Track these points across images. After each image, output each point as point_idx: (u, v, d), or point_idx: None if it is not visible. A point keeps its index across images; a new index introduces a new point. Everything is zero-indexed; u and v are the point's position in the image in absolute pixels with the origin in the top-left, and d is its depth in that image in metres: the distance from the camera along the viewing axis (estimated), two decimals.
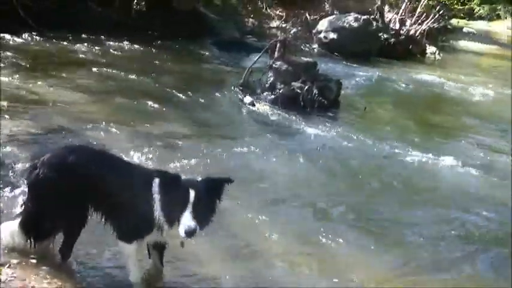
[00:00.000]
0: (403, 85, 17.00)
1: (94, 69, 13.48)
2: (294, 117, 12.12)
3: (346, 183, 9.13)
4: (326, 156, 10.10)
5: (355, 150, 10.56)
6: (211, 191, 4.95)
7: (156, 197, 4.96)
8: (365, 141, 11.09)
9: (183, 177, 5.01)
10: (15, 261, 5.27)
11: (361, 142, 11.04)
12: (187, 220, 4.74)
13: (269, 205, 7.91)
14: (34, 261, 5.37)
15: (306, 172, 9.30)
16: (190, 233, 4.75)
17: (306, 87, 12.97)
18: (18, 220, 5.46)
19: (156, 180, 4.97)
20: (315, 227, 7.42)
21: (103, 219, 5.34)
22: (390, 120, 13.40)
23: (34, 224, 5.37)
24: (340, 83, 13.67)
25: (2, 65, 12.50)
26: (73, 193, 5.16)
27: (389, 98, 15.68)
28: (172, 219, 4.87)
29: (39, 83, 11.64)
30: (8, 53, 13.68)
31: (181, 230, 4.76)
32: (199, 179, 5.04)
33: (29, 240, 5.42)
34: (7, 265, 5.14)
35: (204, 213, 4.89)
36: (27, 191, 5.62)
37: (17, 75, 11.90)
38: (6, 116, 9.27)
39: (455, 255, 7.22)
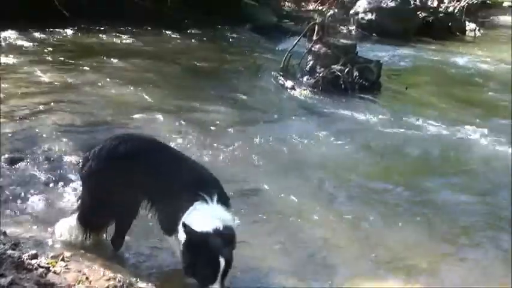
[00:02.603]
0: (444, 64, 16.73)
1: (133, 60, 13.56)
2: (335, 101, 12.05)
3: (391, 164, 9.08)
4: (369, 138, 10.04)
5: (398, 131, 10.47)
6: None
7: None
8: (407, 121, 10.99)
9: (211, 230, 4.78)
10: (68, 253, 5.36)
11: (403, 122, 10.95)
12: None
13: (312, 189, 7.89)
14: (87, 252, 5.47)
15: (349, 154, 9.26)
16: None
17: (346, 70, 12.86)
18: (75, 215, 5.56)
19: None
20: (361, 209, 7.40)
21: (150, 210, 5.39)
22: (431, 99, 13.21)
23: (91, 217, 5.46)
24: (381, 64, 13.52)
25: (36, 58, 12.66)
26: (125, 183, 5.23)
27: (430, 77, 15.45)
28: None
29: (78, 75, 11.78)
30: (45, 46, 13.91)
31: None
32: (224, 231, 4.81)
33: (86, 233, 5.52)
34: (60, 257, 5.22)
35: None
36: (81, 184, 5.71)
37: (55, 68, 12.09)
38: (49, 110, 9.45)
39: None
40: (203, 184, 5.10)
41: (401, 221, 7.13)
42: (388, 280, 5.97)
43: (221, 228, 4.78)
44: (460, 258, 6.54)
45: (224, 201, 5.05)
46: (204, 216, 4.84)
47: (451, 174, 8.90)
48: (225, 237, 4.77)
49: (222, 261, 4.66)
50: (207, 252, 4.68)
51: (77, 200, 5.77)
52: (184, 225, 4.76)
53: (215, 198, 4.97)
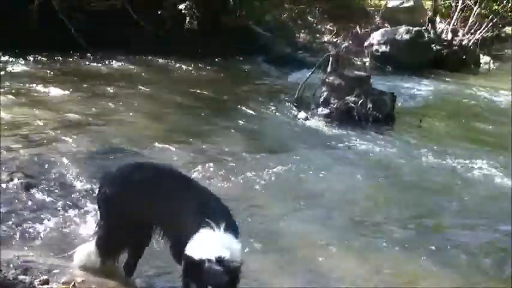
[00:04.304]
0: (457, 97, 16.70)
1: (146, 89, 13.66)
2: (348, 132, 12.05)
3: (403, 199, 9.01)
4: (382, 171, 10.02)
5: (410, 164, 10.45)
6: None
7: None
8: (421, 155, 10.95)
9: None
10: (79, 279, 5.35)
11: (417, 155, 10.92)
12: None
13: (323, 221, 7.86)
14: (98, 278, 5.45)
15: (361, 188, 9.22)
16: None
17: (360, 102, 12.88)
18: (94, 240, 5.53)
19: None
20: (370, 243, 7.37)
21: (162, 237, 5.36)
22: (445, 133, 13.19)
23: (106, 242, 5.43)
24: (395, 96, 13.53)
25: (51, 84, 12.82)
26: (138, 209, 5.23)
27: (443, 110, 15.41)
28: None
29: (92, 103, 11.93)
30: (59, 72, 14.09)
31: None
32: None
33: (103, 259, 5.49)
34: (72, 284, 5.21)
35: None
36: (98, 209, 5.70)
37: (68, 94, 12.30)
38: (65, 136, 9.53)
39: None
40: (211, 212, 4.89)
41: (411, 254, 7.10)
42: None
43: (222, 256, 4.44)
44: None
45: (232, 230, 4.79)
46: (207, 243, 4.58)
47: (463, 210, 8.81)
48: (225, 266, 4.42)
49: None
50: (201, 279, 4.42)
51: (96, 226, 5.74)
52: (184, 252, 4.63)
53: (222, 226, 4.70)
